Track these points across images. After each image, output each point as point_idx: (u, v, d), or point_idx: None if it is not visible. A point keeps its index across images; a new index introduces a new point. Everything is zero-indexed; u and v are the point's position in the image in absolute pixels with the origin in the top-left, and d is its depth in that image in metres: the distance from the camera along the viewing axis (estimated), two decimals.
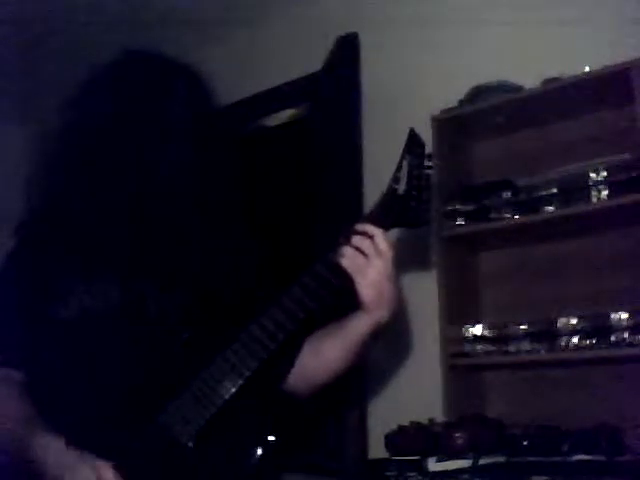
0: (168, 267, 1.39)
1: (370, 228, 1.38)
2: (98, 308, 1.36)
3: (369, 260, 1.35)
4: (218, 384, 1.32)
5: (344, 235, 1.39)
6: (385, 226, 1.40)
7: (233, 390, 1.32)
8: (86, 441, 1.27)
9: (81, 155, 1.41)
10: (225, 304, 1.41)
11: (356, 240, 1.37)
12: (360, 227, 1.39)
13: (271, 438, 1.36)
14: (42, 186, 1.44)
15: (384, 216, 1.41)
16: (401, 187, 1.41)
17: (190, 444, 1.31)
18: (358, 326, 1.42)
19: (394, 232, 1.54)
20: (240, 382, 1.32)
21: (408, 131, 1.52)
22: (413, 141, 1.48)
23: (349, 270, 1.35)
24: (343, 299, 1.38)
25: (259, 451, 1.35)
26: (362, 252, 1.36)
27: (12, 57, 3.34)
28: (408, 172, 1.42)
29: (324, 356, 1.48)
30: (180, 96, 1.44)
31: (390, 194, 1.42)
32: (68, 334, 1.35)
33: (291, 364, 1.49)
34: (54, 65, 3.40)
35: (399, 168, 1.44)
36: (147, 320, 1.37)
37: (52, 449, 1.26)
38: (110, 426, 1.28)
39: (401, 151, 1.48)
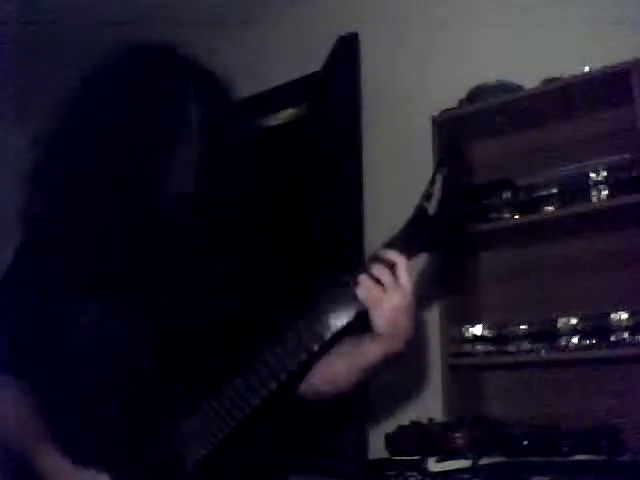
0: (182, 280, 1.34)
1: (394, 256, 1.25)
2: (111, 325, 1.33)
3: (386, 292, 1.25)
4: (232, 406, 1.28)
5: (367, 260, 1.28)
6: (413, 252, 1.27)
7: (247, 412, 1.28)
8: (92, 455, 1.25)
9: (91, 161, 1.34)
10: (244, 322, 1.37)
11: (376, 269, 1.26)
12: (383, 253, 1.26)
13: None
14: (52, 192, 1.38)
15: (412, 240, 1.26)
16: (432, 206, 1.24)
17: (191, 469, 1.26)
18: (370, 353, 1.35)
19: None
20: (257, 403, 1.28)
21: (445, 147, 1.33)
22: (450, 152, 1.31)
23: (364, 301, 1.26)
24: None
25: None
26: (380, 282, 1.25)
27: (11, 57, 3.34)
28: (442, 188, 1.24)
29: (334, 371, 1.43)
30: (192, 95, 1.36)
31: (419, 214, 1.26)
32: (80, 350, 1.32)
33: (305, 373, 1.43)
34: (53, 65, 3.40)
35: (432, 182, 1.25)
36: (163, 337, 1.33)
37: (56, 467, 1.25)
38: (118, 442, 1.26)
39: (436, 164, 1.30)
